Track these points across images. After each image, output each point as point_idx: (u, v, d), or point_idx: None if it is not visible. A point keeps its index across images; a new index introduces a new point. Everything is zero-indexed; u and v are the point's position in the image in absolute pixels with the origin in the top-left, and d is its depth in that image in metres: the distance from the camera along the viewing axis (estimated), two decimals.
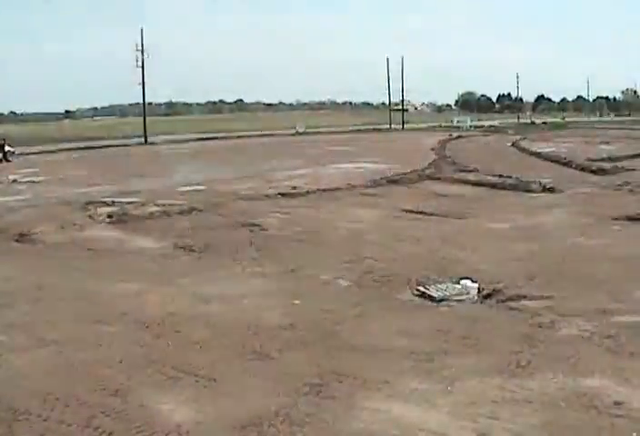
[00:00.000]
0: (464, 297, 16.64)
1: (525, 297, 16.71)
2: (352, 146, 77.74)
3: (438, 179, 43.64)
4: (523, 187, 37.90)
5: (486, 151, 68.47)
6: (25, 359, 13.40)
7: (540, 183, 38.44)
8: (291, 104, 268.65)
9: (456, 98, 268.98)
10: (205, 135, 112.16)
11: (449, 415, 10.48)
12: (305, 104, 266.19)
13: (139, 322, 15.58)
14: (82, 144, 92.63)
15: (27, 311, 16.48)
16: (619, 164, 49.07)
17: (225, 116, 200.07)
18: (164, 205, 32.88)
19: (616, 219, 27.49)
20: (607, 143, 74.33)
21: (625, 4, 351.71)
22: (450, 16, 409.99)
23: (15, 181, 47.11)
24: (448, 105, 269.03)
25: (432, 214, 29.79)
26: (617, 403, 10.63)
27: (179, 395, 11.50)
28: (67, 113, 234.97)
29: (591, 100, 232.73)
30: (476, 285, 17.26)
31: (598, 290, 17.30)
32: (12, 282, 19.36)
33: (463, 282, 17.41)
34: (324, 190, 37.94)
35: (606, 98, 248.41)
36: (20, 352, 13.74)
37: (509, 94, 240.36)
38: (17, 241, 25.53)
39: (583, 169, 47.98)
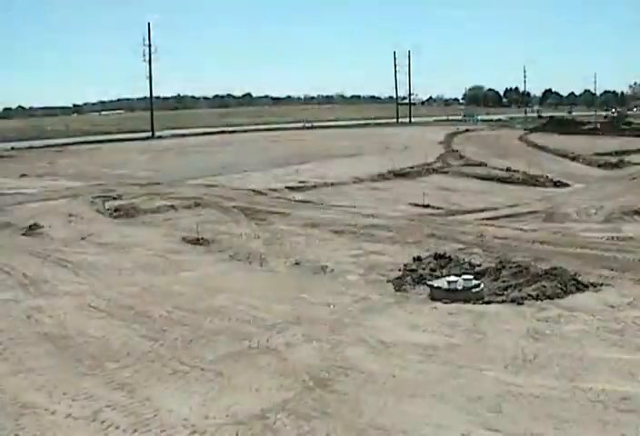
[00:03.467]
0: (475, 289, 16.62)
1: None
2: (360, 140, 77.67)
3: (446, 173, 43.63)
4: (530, 181, 37.91)
5: (494, 145, 68.36)
6: (31, 352, 13.45)
7: (548, 177, 38.44)
8: (299, 99, 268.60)
9: (464, 92, 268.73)
10: (212, 129, 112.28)
11: (455, 409, 10.48)
12: (313, 97, 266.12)
13: (145, 315, 15.62)
14: (89, 139, 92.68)
15: (33, 305, 16.56)
16: (626, 158, 49.06)
17: (232, 110, 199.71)
18: (171, 198, 32.97)
19: (625, 213, 27.44)
20: (613, 136, 74.34)
21: None
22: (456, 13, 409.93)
23: (23, 175, 47.17)
24: (456, 99, 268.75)
25: (438, 208, 29.76)
26: (624, 398, 10.64)
27: (186, 389, 11.52)
28: (75, 108, 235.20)
29: (598, 94, 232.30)
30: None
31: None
32: (16, 273, 19.47)
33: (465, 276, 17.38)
34: (331, 184, 37.95)
35: (613, 92, 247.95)
36: (26, 346, 13.80)
37: (516, 88, 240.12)
38: (25, 234, 25.59)
39: (590, 163, 48.01)
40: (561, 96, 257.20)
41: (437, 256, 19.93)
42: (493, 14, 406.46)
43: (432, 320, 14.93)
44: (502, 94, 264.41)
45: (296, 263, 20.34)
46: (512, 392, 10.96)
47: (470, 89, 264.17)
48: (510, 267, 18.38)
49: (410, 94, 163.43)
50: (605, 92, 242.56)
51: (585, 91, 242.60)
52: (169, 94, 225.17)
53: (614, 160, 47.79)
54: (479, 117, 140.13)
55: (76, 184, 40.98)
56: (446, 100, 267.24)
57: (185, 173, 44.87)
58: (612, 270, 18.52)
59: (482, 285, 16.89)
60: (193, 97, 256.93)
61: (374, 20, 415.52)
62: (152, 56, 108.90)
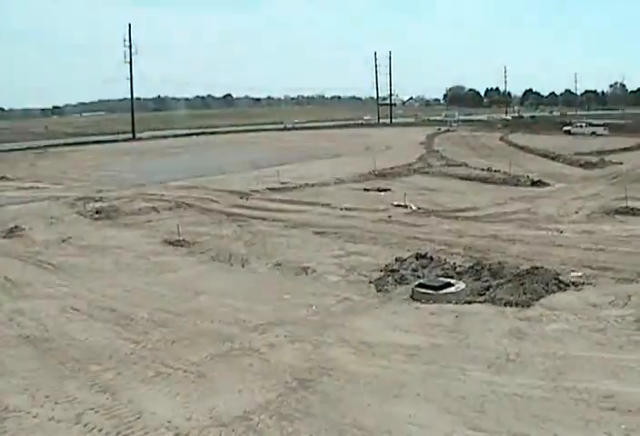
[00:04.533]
0: (453, 289, 16.70)
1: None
2: (341, 140, 77.68)
3: (427, 173, 43.69)
4: (511, 181, 37.95)
5: (475, 145, 68.45)
6: (13, 355, 13.40)
7: (528, 177, 38.52)
8: (279, 99, 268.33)
9: (445, 92, 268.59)
10: (193, 131, 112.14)
11: (438, 409, 10.50)
12: (294, 98, 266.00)
13: (128, 317, 15.57)
14: (70, 140, 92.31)
15: (15, 308, 16.49)
16: (606, 158, 49.25)
17: (213, 112, 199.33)
18: (152, 200, 32.92)
19: (606, 213, 27.51)
20: (595, 136, 74.65)
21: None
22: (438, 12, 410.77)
23: (3, 177, 46.91)
24: (436, 99, 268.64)
25: (420, 208, 29.78)
26: (606, 397, 10.68)
27: (168, 391, 11.50)
28: (55, 109, 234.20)
29: (579, 94, 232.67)
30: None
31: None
32: None
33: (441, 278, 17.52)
34: (312, 185, 37.92)
35: (594, 92, 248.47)
36: (8, 349, 13.74)
37: (497, 88, 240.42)
38: (5, 237, 25.48)
39: (571, 163, 48.15)
40: (542, 96, 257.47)
41: (419, 256, 19.95)
42: (473, 13, 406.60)
43: (414, 320, 14.95)
44: (483, 94, 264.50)
45: (278, 264, 20.33)
46: (495, 392, 10.99)
47: (450, 89, 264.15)
48: (491, 267, 18.43)
49: (391, 95, 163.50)
50: (586, 91, 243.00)
51: (566, 91, 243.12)
52: (149, 96, 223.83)
53: (594, 159, 47.89)
54: (460, 117, 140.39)
55: (57, 186, 40.87)
56: (427, 100, 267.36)
57: (166, 175, 44.74)
58: (593, 269, 18.61)
59: (464, 285, 16.95)
60: (173, 98, 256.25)
61: (355, 20, 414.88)
62: (132, 57, 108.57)
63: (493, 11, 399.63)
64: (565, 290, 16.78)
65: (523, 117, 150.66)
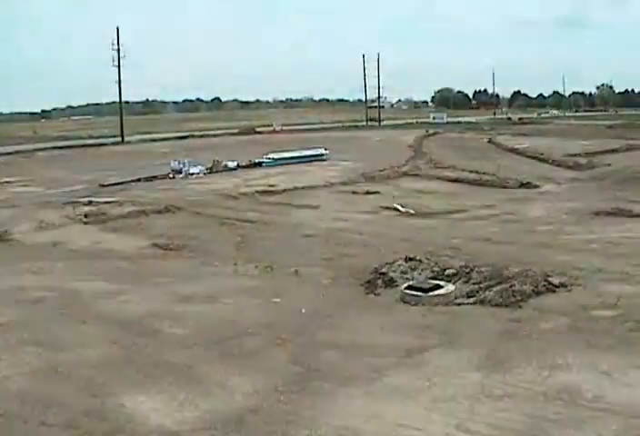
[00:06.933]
0: (442, 291, 16.73)
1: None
2: (329, 143, 77.62)
3: (416, 176, 43.72)
4: (500, 183, 38.03)
5: (463, 147, 68.49)
6: (5, 360, 13.35)
7: (517, 179, 38.59)
8: (267, 102, 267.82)
9: (432, 94, 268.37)
10: (181, 134, 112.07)
11: (429, 411, 10.50)
12: (282, 101, 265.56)
13: (119, 321, 15.54)
14: (59, 144, 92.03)
15: (7, 312, 16.43)
16: (595, 159, 49.39)
17: (201, 115, 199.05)
18: (141, 204, 32.88)
19: (595, 214, 27.59)
20: (582, 138, 74.91)
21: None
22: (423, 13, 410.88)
23: None
24: (425, 102, 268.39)
25: (408, 211, 29.81)
26: (597, 397, 10.70)
27: (160, 394, 11.47)
28: (43, 113, 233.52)
29: (567, 95, 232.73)
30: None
31: None
32: None
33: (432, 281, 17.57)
34: (302, 188, 37.95)
35: (582, 93, 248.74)
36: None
37: (485, 90, 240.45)
38: None
39: (559, 164, 48.27)
40: (530, 98, 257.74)
41: (408, 259, 19.93)
42: (462, 15, 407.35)
43: (404, 322, 14.97)
44: (471, 96, 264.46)
45: (267, 267, 20.32)
46: (486, 393, 11.00)
47: (438, 91, 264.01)
48: (481, 269, 18.44)
49: (379, 97, 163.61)
50: (574, 93, 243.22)
51: (554, 92, 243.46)
52: (137, 99, 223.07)
53: (583, 161, 48.06)
54: (446, 120, 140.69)
55: (46, 191, 40.77)
56: (415, 102, 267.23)
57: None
58: (582, 270, 18.65)
59: (453, 287, 16.98)
60: (162, 102, 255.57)
61: (340, 22, 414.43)
62: (120, 61, 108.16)
63: (484, 11, 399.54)
64: (555, 291, 16.82)
65: (511, 119, 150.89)
